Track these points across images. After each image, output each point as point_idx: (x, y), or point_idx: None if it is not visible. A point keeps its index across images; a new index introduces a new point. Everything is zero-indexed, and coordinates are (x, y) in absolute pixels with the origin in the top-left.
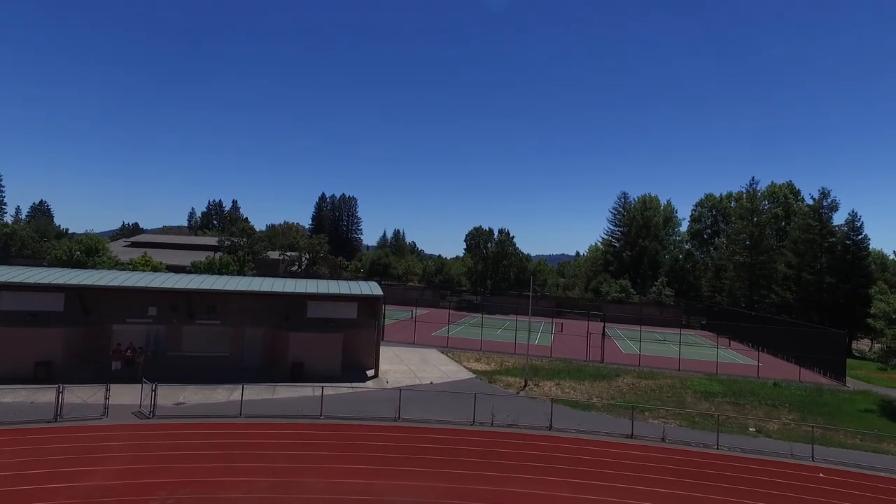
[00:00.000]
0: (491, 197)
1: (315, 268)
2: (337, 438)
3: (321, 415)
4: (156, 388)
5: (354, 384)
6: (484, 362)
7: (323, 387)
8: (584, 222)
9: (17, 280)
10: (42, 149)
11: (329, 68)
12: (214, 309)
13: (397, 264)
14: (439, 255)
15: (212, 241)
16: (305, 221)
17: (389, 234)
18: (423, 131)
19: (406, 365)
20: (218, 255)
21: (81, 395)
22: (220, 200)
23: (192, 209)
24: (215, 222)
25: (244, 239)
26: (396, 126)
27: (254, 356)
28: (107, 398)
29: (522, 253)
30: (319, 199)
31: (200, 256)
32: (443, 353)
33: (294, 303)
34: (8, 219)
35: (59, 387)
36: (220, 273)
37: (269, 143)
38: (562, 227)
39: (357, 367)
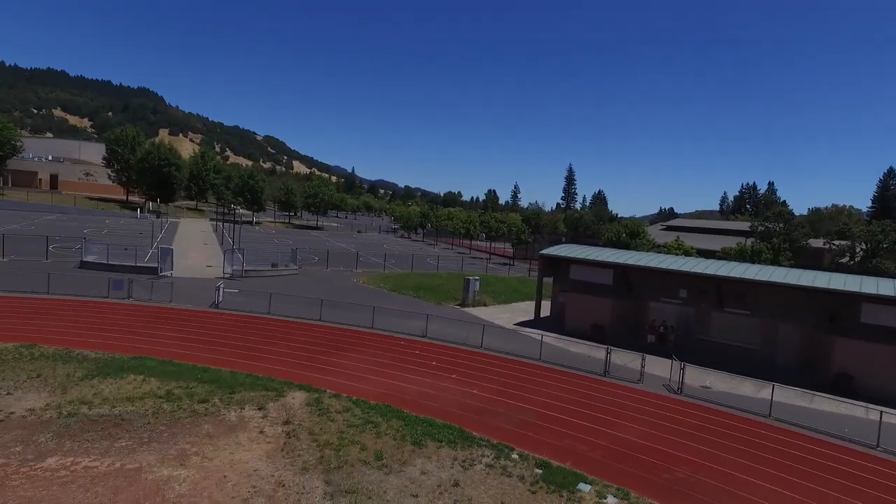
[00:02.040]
0: None
1: (875, 261)
2: None
3: (878, 445)
4: (684, 367)
5: None
6: None
7: (883, 412)
8: None
9: (579, 256)
10: (599, 147)
11: None
12: (744, 298)
13: None
14: None
15: (744, 226)
16: (863, 203)
17: None
18: None
19: None
20: (749, 241)
21: (623, 359)
22: (753, 183)
23: (724, 193)
24: (748, 206)
25: (780, 224)
26: None
27: (787, 355)
28: (642, 366)
29: None
30: (885, 174)
31: (731, 242)
32: None
33: (842, 302)
34: (577, 206)
35: (608, 348)
36: (752, 261)
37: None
38: None
39: None
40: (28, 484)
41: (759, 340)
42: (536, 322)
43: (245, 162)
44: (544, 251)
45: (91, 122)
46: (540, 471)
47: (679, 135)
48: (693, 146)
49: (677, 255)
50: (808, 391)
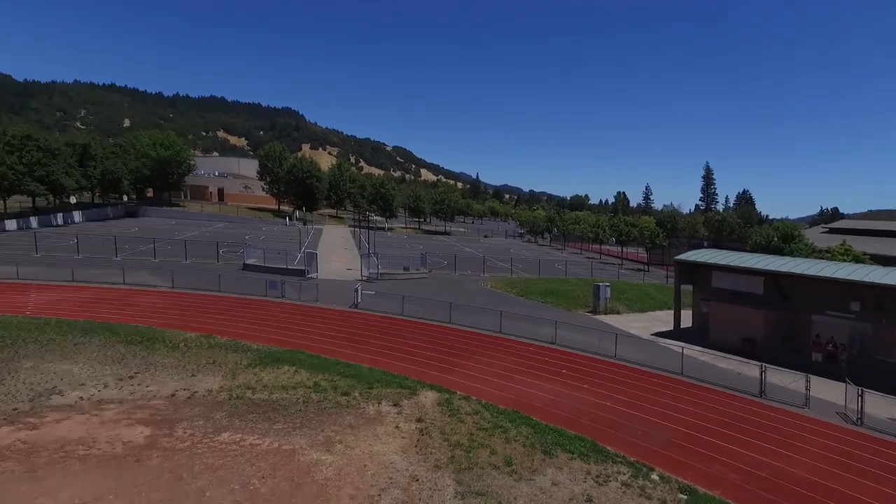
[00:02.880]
0: None
1: None
2: None
3: None
4: (862, 392)
5: None
6: None
7: None
8: None
9: (723, 262)
10: (739, 143)
11: None
12: None
13: None
14: None
15: None
16: None
17: None
18: None
19: None
20: None
21: (782, 379)
22: None
23: None
24: None
25: None
26: None
27: None
28: (807, 388)
29: None
30: None
31: None
32: None
33: None
34: (719, 207)
35: (762, 366)
36: None
37: None
38: None
39: None
40: (210, 453)
41: None
42: (676, 333)
43: (377, 171)
44: (679, 256)
45: (247, 141)
46: (685, 496)
47: (841, 126)
48: (861, 137)
49: (844, 261)
50: None
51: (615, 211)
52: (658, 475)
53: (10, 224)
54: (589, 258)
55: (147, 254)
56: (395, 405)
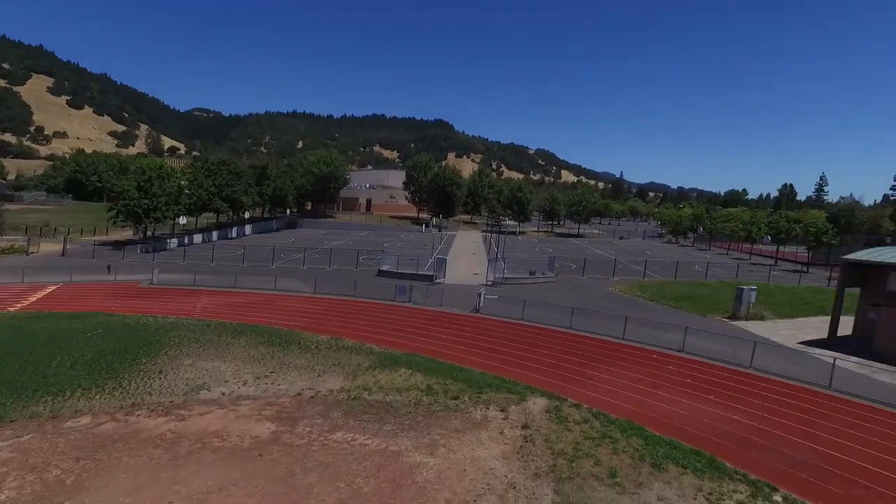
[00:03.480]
0: None
1: None
2: None
3: None
4: None
5: None
6: None
7: None
8: None
9: None
10: None
11: None
12: None
13: None
14: None
15: None
16: None
17: None
18: None
19: None
20: None
21: None
22: None
23: None
24: None
25: None
26: None
27: None
28: None
29: None
30: None
31: None
32: None
33: None
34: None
35: None
36: None
37: None
38: None
39: None
40: (322, 451)
41: None
42: (831, 342)
43: (518, 176)
44: (849, 255)
45: (398, 153)
46: None
47: None
48: None
49: None
50: None
51: (777, 206)
52: (782, 496)
53: (197, 237)
54: (736, 259)
55: (297, 262)
56: (502, 410)
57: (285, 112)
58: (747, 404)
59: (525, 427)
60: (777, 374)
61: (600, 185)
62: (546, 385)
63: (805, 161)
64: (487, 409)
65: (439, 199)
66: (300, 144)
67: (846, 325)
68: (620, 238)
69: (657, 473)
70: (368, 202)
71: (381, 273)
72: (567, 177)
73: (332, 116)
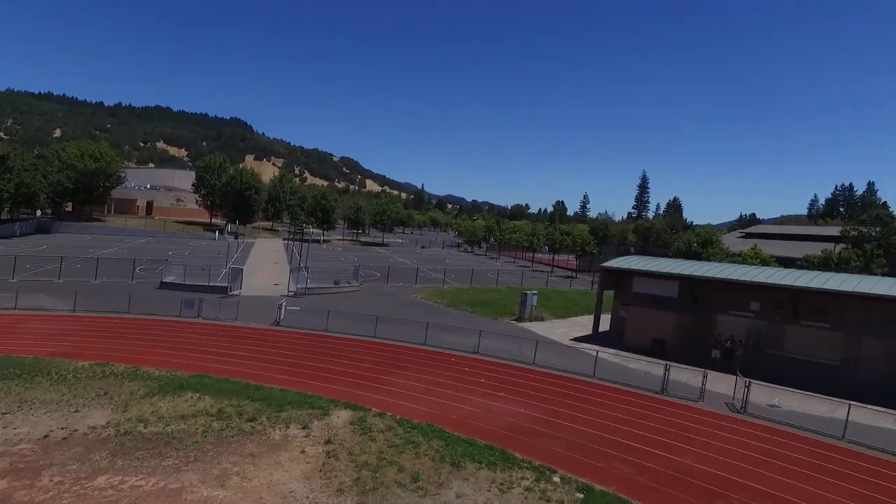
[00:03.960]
0: None
1: None
2: None
3: None
4: (749, 384)
5: None
6: None
7: None
8: None
9: (644, 268)
10: (675, 152)
11: None
12: (825, 310)
13: None
14: None
15: (833, 231)
16: None
17: None
18: None
19: None
20: (838, 247)
21: (684, 376)
22: (850, 184)
23: (815, 196)
24: (841, 209)
25: (877, 229)
26: None
27: (872, 372)
28: (704, 383)
29: None
30: None
31: (816, 249)
32: None
33: None
34: (650, 214)
35: (667, 364)
36: (838, 269)
37: None
38: None
39: None
40: (77, 503)
41: (839, 356)
42: (594, 337)
43: (321, 182)
44: (606, 263)
45: (187, 152)
46: (581, 495)
47: (764, 134)
48: (780, 145)
49: (753, 264)
50: (893, 412)
51: (553, 219)
52: (560, 477)
53: None
54: (521, 267)
55: (51, 273)
56: (303, 428)
57: (36, 93)
58: (532, 398)
59: (328, 442)
60: (555, 369)
61: (403, 195)
62: (350, 397)
63: (573, 180)
64: (288, 428)
65: (236, 204)
66: (57, 133)
67: (607, 322)
68: (422, 247)
69: (456, 472)
70: (149, 205)
71: (164, 285)
72: (372, 186)
73: (102, 104)
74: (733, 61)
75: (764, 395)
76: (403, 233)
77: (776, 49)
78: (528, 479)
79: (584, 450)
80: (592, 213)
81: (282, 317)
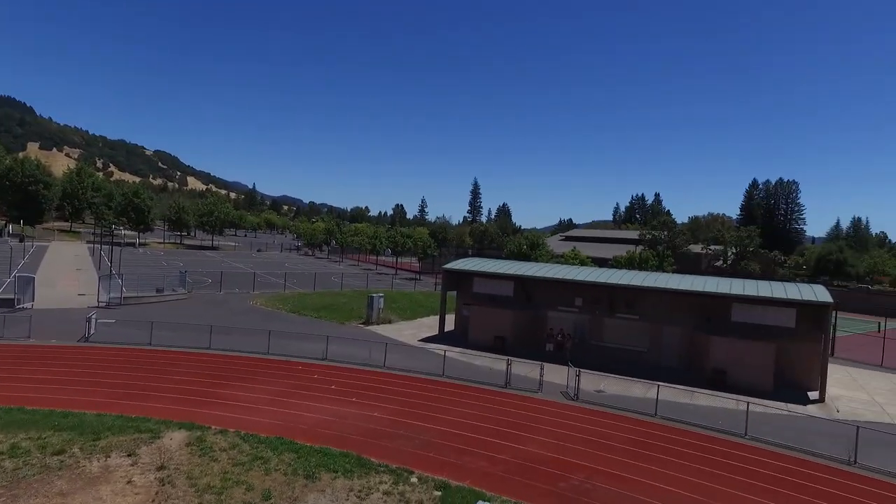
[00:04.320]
0: None
1: (743, 264)
2: (766, 467)
3: (746, 434)
4: (580, 373)
5: (791, 406)
6: None
7: (749, 402)
8: None
9: (481, 269)
10: (503, 162)
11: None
12: (634, 304)
13: (856, 261)
14: None
15: (634, 234)
16: (733, 212)
17: (845, 223)
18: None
19: (868, 393)
20: (638, 249)
21: (523, 369)
22: (642, 195)
23: (617, 204)
24: (637, 216)
25: (665, 233)
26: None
27: (671, 356)
28: (541, 375)
29: None
30: (750, 186)
31: (623, 250)
32: None
33: (716, 304)
34: (483, 219)
35: (508, 360)
36: (640, 267)
37: (692, 129)
38: None
39: (794, 386)
40: None
41: (647, 343)
42: (441, 337)
43: (132, 178)
44: (447, 265)
45: None
46: (439, 493)
47: (577, 146)
48: (591, 157)
49: (574, 264)
50: (689, 388)
51: (393, 223)
52: (417, 477)
53: None
54: (366, 270)
55: None
56: (129, 455)
57: None
58: (385, 400)
59: (161, 468)
60: (405, 370)
61: (233, 195)
62: (185, 415)
63: (411, 184)
64: (108, 457)
65: (17, 201)
66: None
67: (452, 322)
68: (258, 250)
69: (311, 484)
70: None
71: None
72: (195, 184)
73: None
74: (537, 82)
75: (592, 382)
76: (236, 235)
77: (571, 75)
78: (386, 483)
79: (439, 447)
80: (431, 217)
81: (92, 331)
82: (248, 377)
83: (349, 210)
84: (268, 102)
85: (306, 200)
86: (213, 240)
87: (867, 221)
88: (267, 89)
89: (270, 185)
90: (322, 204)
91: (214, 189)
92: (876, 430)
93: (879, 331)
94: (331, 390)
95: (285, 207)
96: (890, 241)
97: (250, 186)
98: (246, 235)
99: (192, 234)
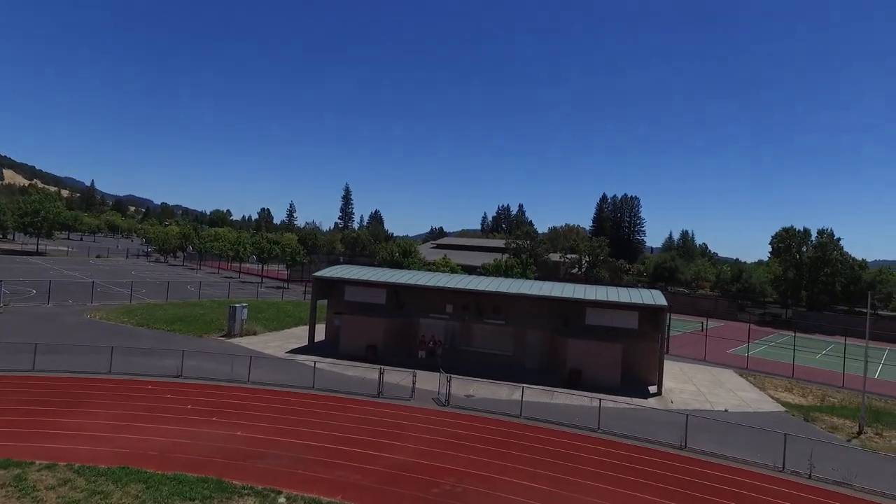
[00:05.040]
0: (805, 189)
1: (595, 271)
2: (614, 457)
3: (598, 428)
4: (450, 379)
5: (635, 400)
6: (797, 393)
7: (601, 399)
8: None
9: (353, 277)
10: (375, 168)
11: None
12: (500, 310)
13: (685, 269)
14: (736, 260)
15: (500, 243)
16: (586, 223)
17: (676, 236)
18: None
19: (695, 385)
20: (504, 257)
21: (396, 378)
22: (507, 205)
23: (485, 214)
24: (503, 226)
25: (527, 242)
26: (682, 118)
27: (534, 358)
28: (414, 383)
29: (853, 258)
30: (600, 199)
31: (490, 258)
32: (740, 375)
33: (572, 308)
34: (355, 225)
35: (381, 368)
36: (506, 275)
37: (549, 145)
38: None
39: (638, 381)
40: None
41: (512, 347)
42: (311, 348)
43: None
44: (317, 273)
45: None
46: None
47: (448, 155)
48: (458, 166)
49: (444, 272)
50: (549, 388)
51: (258, 228)
52: (285, 497)
53: None
54: (227, 278)
55: None
56: None
57: None
58: (250, 418)
59: None
60: (272, 384)
61: (65, 192)
62: (1, 451)
63: (278, 189)
64: None
65: None
66: None
67: (322, 332)
68: (98, 256)
69: None
70: None
71: None
72: (15, 178)
73: None
74: (417, 98)
75: (462, 387)
76: (69, 239)
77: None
78: None
79: (309, 463)
80: (300, 223)
81: None
82: (84, 401)
83: (208, 213)
84: (109, 88)
85: (157, 201)
86: (38, 244)
87: (693, 234)
88: (106, 70)
89: (113, 183)
90: (176, 206)
91: (41, 185)
92: (701, 417)
93: (702, 330)
94: (186, 410)
95: (132, 208)
96: (710, 251)
97: (87, 183)
98: (82, 239)
99: (11, 237)
